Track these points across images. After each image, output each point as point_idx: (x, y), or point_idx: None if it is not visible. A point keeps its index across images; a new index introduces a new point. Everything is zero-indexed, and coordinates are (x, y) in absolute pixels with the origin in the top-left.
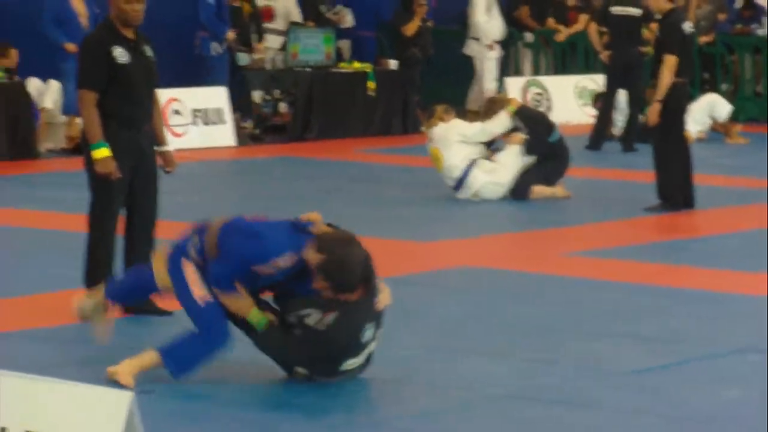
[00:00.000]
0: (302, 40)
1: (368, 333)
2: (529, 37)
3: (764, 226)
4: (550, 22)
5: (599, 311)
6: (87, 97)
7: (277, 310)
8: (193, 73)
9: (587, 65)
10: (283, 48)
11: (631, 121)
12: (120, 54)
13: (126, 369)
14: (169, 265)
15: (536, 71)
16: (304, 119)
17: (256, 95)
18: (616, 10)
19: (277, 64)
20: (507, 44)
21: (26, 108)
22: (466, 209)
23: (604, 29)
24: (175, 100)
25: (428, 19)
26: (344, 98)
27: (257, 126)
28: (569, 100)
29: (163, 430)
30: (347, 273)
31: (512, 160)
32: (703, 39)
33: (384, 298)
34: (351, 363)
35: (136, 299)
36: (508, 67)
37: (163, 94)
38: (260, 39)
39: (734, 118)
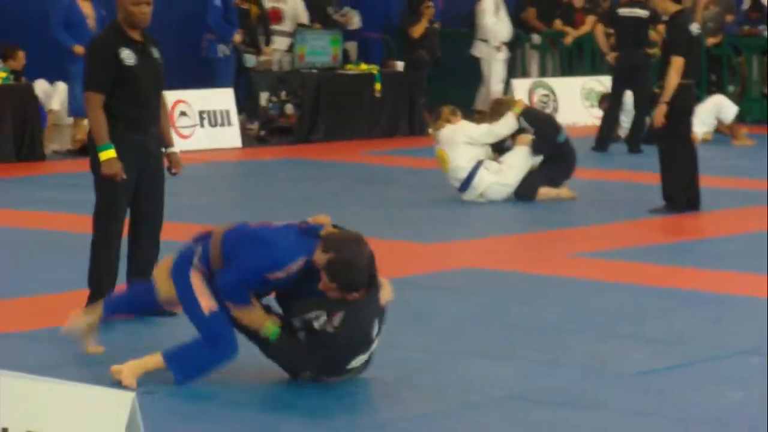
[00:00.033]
0: (309, 42)
1: (375, 329)
2: (535, 38)
3: None
4: (557, 23)
5: (604, 312)
6: (94, 99)
7: (281, 314)
8: (199, 75)
9: (594, 67)
10: (290, 50)
11: (637, 122)
12: (127, 56)
13: (130, 369)
14: (174, 275)
15: (543, 73)
16: (311, 121)
17: (263, 97)
18: (624, 11)
19: (283, 65)
20: (514, 46)
21: (33, 110)
22: (471, 210)
23: (611, 31)
24: (181, 101)
25: (435, 20)
26: (351, 100)
27: (263, 127)
28: (576, 101)
29: (164, 430)
30: (354, 272)
31: (519, 161)
32: (711, 40)
33: (386, 293)
34: (358, 360)
35: (133, 311)
36: (514, 69)
37: (170, 96)
38: (268, 41)
39: (741, 119)
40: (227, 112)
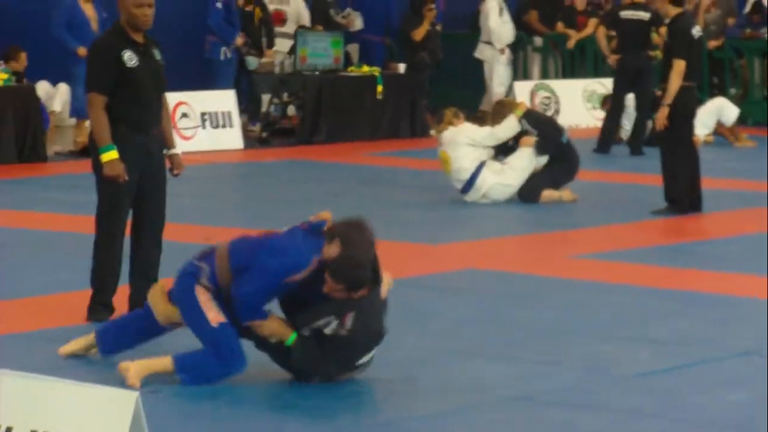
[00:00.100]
0: (310, 44)
1: (384, 322)
2: (537, 41)
3: None
4: (559, 26)
5: (606, 314)
6: (96, 100)
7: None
8: (201, 76)
9: (596, 69)
10: (292, 52)
11: (639, 124)
12: (129, 58)
13: (137, 368)
14: (177, 291)
15: (545, 75)
16: (313, 122)
17: (265, 99)
18: (625, 14)
19: (285, 67)
20: (516, 48)
21: (35, 111)
22: (473, 212)
23: (613, 33)
24: (183, 103)
25: (437, 23)
26: (352, 102)
27: (265, 129)
28: (578, 103)
29: (168, 430)
30: (359, 270)
31: (523, 163)
32: (712, 43)
33: (386, 284)
34: (369, 355)
35: (135, 344)
36: (516, 71)
37: (172, 98)
38: (270, 44)
39: (742, 121)
40: (229, 114)
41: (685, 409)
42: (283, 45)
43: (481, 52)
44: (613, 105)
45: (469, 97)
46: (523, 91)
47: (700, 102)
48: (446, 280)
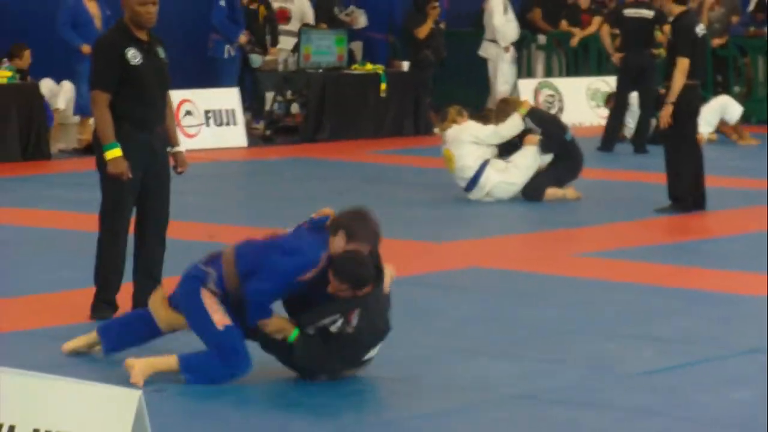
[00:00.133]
0: (314, 42)
1: (389, 316)
2: (541, 39)
3: None
4: (563, 24)
5: (610, 312)
6: (100, 98)
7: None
8: (205, 74)
9: (600, 67)
10: (296, 49)
11: (643, 122)
12: (133, 55)
13: (142, 366)
14: (181, 294)
15: (548, 73)
16: (316, 120)
17: (269, 96)
18: (629, 12)
19: (289, 65)
20: (520, 46)
21: (39, 109)
22: (477, 210)
23: (617, 31)
24: (187, 101)
25: (441, 20)
26: (356, 100)
27: (269, 127)
28: (581, 101)
29: (171, 429)
30: (361, 268)
31: (527, 161)
32: (716, 41)
33: (388, 278)
34: (375, 350)
35: (138, 342)
36: (520, 69)
37: (176, 96)
38: (274, 42)
39: (746, 120)
40: (233, 112)
41: (688, 408)
42: (286, 43)
43: (486, 50)
44: (616, 103)
45: (472, 95)
46: (526, 89)
47: (704, 100)
48: (450, 278)
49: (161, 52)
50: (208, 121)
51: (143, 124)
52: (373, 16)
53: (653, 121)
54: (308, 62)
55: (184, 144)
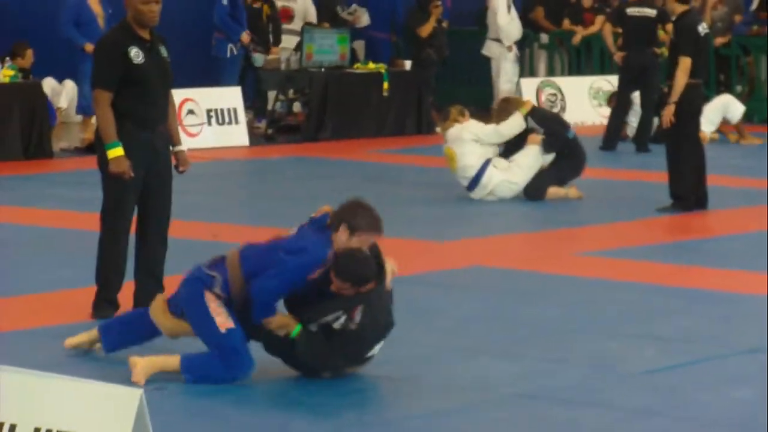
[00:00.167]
0: (317, 41)
1: (392, 313)
2: (544, 38)
3: None
4: (566, 23)
5: (611, 311)
6: (102, 96)
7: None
8: (207, 73)
9: (602, 66)
10: (298, 48)
11: (645, 121)
12: (136, 54)
13: (144, 365)
14: (184, 297)
15: (551, 72)
16: (318, 119)
17: (271, 96)
18: (632, 10)
19: (291, 64)
20: (522, 45)
21: (41, 108)
22: (479, 209)
23: (619, 30)
24: (189, 100)
25: (443, 19)
26: (358, 99)
27: (271, 126)
28: (583, 101)
29: (172, 428)
30: (362, 266)
31: (529, 160)
32: (719, 40)
33: (389, 273)
34: (378, 347)
35: (138, 342)
36: (522, 68)
37: (178, 94)
38: (277, 41)
39: (749, 119)
40: (235, 111)
41: (689, 407)
42: (289, 42)
43: (489, 49)
44: (618, 102)
45: (475, 94)
46: (529, 88)
47: (707, 99)
48: (452, 277)
49: (164, 51)
50: (210, 120)
51: (145, 123)
52: (376, 15)
53: (655, 120)
54: (311, 61)
55: (186, 143)
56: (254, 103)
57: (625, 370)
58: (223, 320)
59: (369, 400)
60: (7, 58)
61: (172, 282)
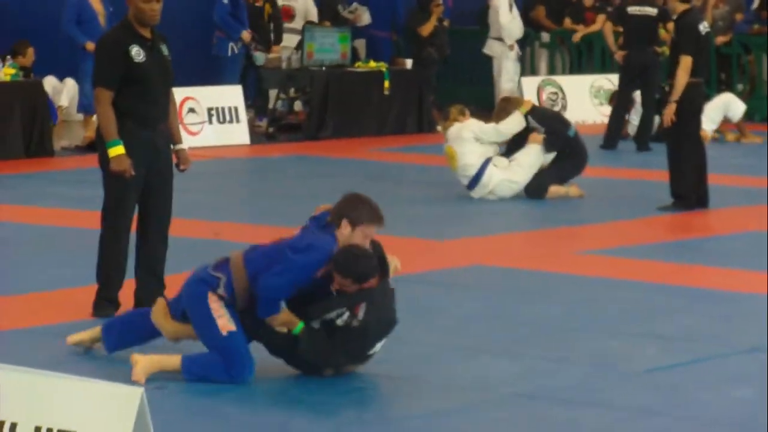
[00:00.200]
0: (318, 40)
1: (395, 310)
2: (545, 36)
3: None
4: (567, 22)
5: (612, 310)
6: (102, 95)
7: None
8: (208, 72)
9: (603, 65)
10: (299, 47)
11: (646, 120)
12: (137, 53)
13: (146, 363)
14: (187, 297)
15: (552, 71)
16: (319, 118)
17: (272, 94)
18: (633, 9)
19: (292, 63)
20: (523, 44)
21: (42, 106)
22: (480, 208)
23: (620, 29)
24: (190, 98)
25: (444, 18)
26: (359, 97)
27: (272, 125)
28: (585, 99)
29: (173, 426)
30: (363, 262)
31: (530, 159)
32: (720, 39)
33: (392, 271)
34: (380, 345)
35: (139, 342)
36: (523, 67)
37: (179, 93)
38: (278, 40)
39: (749, 117)
40: (236, 109)
41: (690, 406)
42: (290, 40)
43: (491, 47)
44: (618, 101)
45: (476, 92)
46: (530, 86)
47: (708, 98)
48: (452, 276)
49: (165, 50)
50: (211, 118)
51: (146, 121)
52: (377, 14)
53: (656, 119)
54: (312, 60)
55: (187, 141)
56: (255, 101)
57: (627, 369)
58: (225, 323)
59: (369, 398)
60: (8, 57)
61: (172, 280)
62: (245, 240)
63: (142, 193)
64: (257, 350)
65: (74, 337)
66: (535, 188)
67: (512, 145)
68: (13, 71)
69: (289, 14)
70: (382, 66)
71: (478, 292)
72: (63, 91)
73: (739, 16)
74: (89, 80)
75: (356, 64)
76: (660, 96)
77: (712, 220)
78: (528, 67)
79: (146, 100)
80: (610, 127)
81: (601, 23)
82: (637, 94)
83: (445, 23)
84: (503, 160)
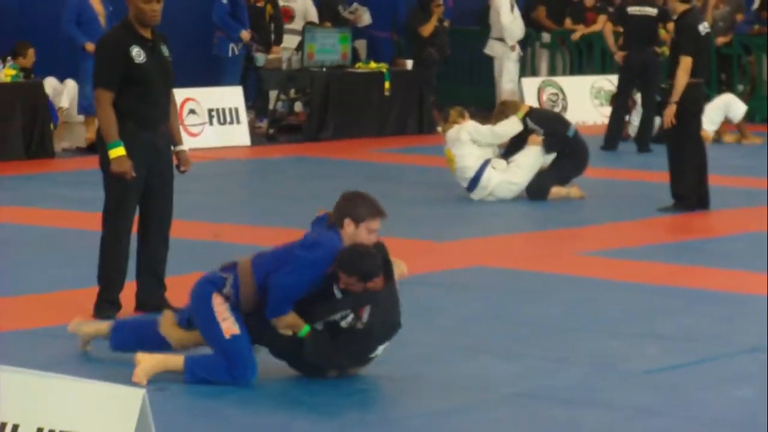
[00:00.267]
0: (318, 40)
1: (400, 314)
2: (545, 37)
3: None
4: (567, 22)
5: (613, 311)
6: (103, 96)
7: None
8: (208, 72)
9: (603, 66)
10: (299, 48)
11: (646, 121)
12: (137, 54)
13: (149, 363)
14: (194, 297)
15: (553, 71)
16: (320, 119)
17: (272, 95)
18: (633, 9)
19: (293, 64)
20: (524, 44)
21: (43, 107)
22: (480, 209)
23: (620, 29)
24: (190, 99)
25: (445, 19)
26: (360, 98)
27: (272, 126)
28: (585, 100)
29: (175, 428)
30: (367, 259)
31: (530, 161)
32: (721, 40)
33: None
34: (381, 348)
35: (142, 349)
36: (524, 68)
37: (179, 94)
38: (278, 40)
39: (750, 118)
40: (236, 110)
41: (690, 407)
42: (290, 41)
43: (492, 48)
44: (618, 102)
45: (477, 93)
46: (530, 87)
47: (708, 98)
48: (453, 277)
49: (165, 50)
50: (211, 119)
51: (147, 122)
52: (377, 15)
53: (657, 120)
54: (312, 61)
55: (188, 143)
56: (256, 102)
57: (627, 370)
58: (229, 326)
59: (371, 399)
60: (9, 58)
61: (173, 282)
62: (245, 242)
63: (142, 194)
64: (259, 352)
65: (80, 328)
66: (537, 189)
67: (512, 147)
68: (13, 72)
69: (288, 15)
70: (383, 67)
71: (479, 293)
72: (63, 93)
73: (739, 17)
74: (89, 81)
75: (357, 65)
76: (660, 97)
77: (712, 221)
78: (528, 68)
79: (147, 101)
80: (611, 128)
81: (602, 24)
82: (638, 96)
83: (446, 23)
84: (502, 162)
